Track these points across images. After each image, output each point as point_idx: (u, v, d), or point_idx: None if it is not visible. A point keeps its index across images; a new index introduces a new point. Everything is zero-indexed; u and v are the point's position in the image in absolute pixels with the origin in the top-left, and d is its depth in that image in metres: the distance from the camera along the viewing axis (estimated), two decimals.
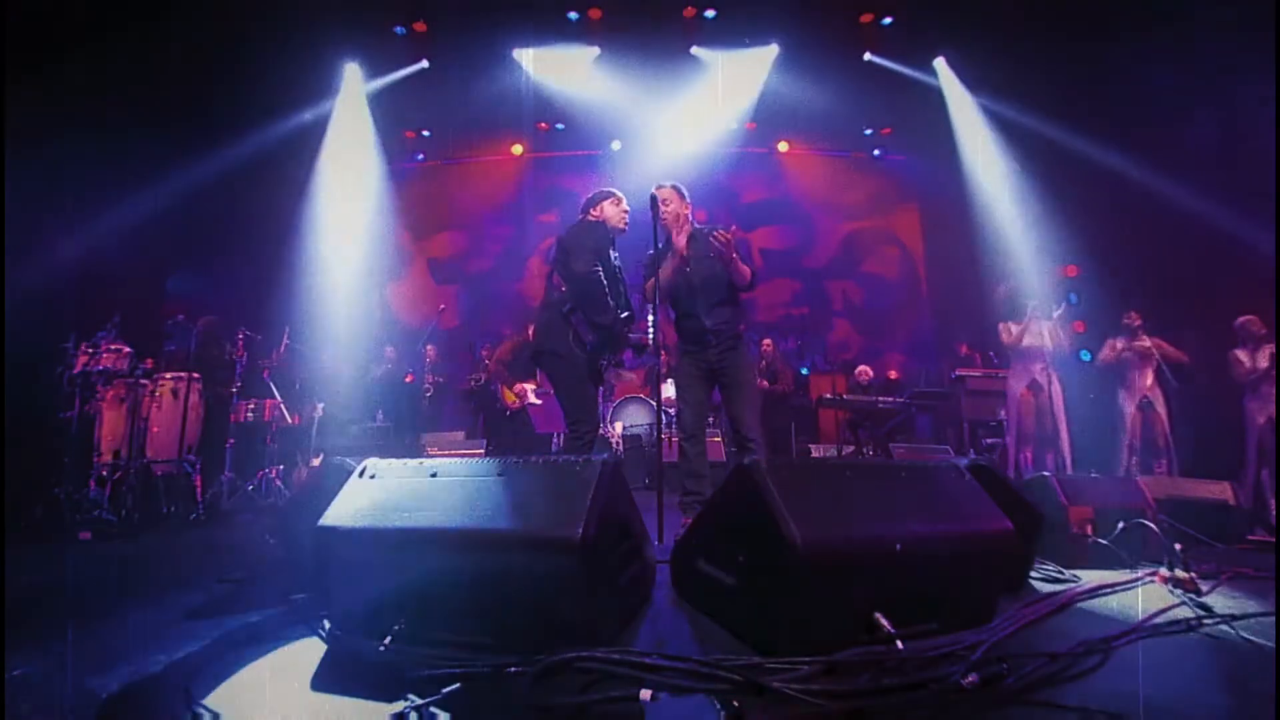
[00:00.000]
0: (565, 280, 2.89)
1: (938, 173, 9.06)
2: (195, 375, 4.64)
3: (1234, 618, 1.69)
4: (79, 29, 5.21)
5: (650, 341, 3.12)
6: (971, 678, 1.19)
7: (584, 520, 1.39)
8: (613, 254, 3.00)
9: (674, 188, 3.12)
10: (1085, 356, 6.62)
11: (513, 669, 1.27)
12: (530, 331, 5.70)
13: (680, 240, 3.01)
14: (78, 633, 1.72)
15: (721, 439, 6.08)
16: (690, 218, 3.11)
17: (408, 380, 7.08)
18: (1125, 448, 4.89)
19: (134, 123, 5.59)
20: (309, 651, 1.48)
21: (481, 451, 6.03)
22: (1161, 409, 4.88)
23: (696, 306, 3.09)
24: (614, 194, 3.08)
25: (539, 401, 5.61)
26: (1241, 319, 4.80)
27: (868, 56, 7.79)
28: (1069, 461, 4.76)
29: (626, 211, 3.06)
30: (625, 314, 2.99)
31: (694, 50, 7.88)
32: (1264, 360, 4.62)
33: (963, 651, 1.38)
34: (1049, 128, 7.31)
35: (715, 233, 2.88)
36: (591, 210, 3.05)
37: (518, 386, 5.58)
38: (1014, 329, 5.08)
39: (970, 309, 8.22)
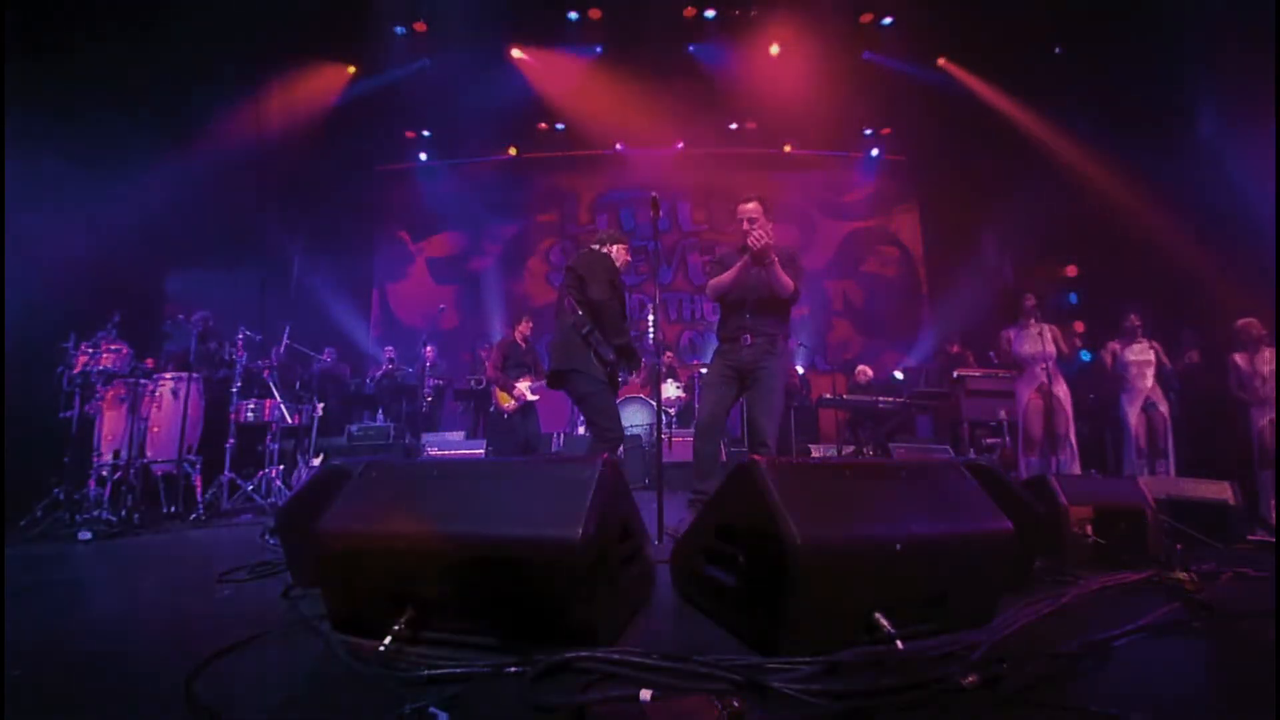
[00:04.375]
0: (581, 305, 3.15)
1: (937, 173, 9.07)
2: (195, 375, 4.64)
3: (1234, 618, 1.69)
4: (76, 26, 5.21)
5: (652, 342, 3.23)
6: (971, 678, 1.19)
7: (584, 520, 1.39)
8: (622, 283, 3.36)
9: (759, 201, 3.21)
10: (1085, 356, 6.62)
11: (513, 669, 1.27)
12: (516, 332, 5.83)
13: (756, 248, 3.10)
14: (77, 633, 1.72)
15: (721, 438, 6.06)
16: (770, 230, 3.19)
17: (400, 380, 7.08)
18: (1133, 451, 4.88)
19: (133, 121, 5.59)
20: (309, 651, 1.48)
21: (481, 452, 6.03)
22: (1164, 409, 4.88)
23: (745, 305, 3.19)
24: (622, 241, 3.43)
25: (536, 396, 5.65)
26: (1241, 321, 4.79)
27: (867, 56, 7.79)
28: (1078, 461, 4.75)
29: (629, 261, 3.43)
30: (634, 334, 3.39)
31: (694, 50, 7.89)
32: (1263, 365, 4.61)
33: (963, 651, 1.38)
34: (1048, 126, 7.31)
35: (754, 233, 2.97)
36: (607, 245, 3.36)
37: (516, 390, 5.61)
38: (1011, 334, 5.07)
39: (970, 309, 8.23)
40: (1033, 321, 4.95)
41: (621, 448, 6.17)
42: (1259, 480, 4.49)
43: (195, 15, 5.86)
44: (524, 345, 5.88)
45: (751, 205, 3.20)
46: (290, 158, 7.52)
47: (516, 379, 5.63)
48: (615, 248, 3.37)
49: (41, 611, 1.94)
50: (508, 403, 5.68)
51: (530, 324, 5.95)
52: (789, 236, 9.58)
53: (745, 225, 3.19)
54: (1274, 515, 4.19)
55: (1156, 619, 1.66)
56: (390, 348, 7.61)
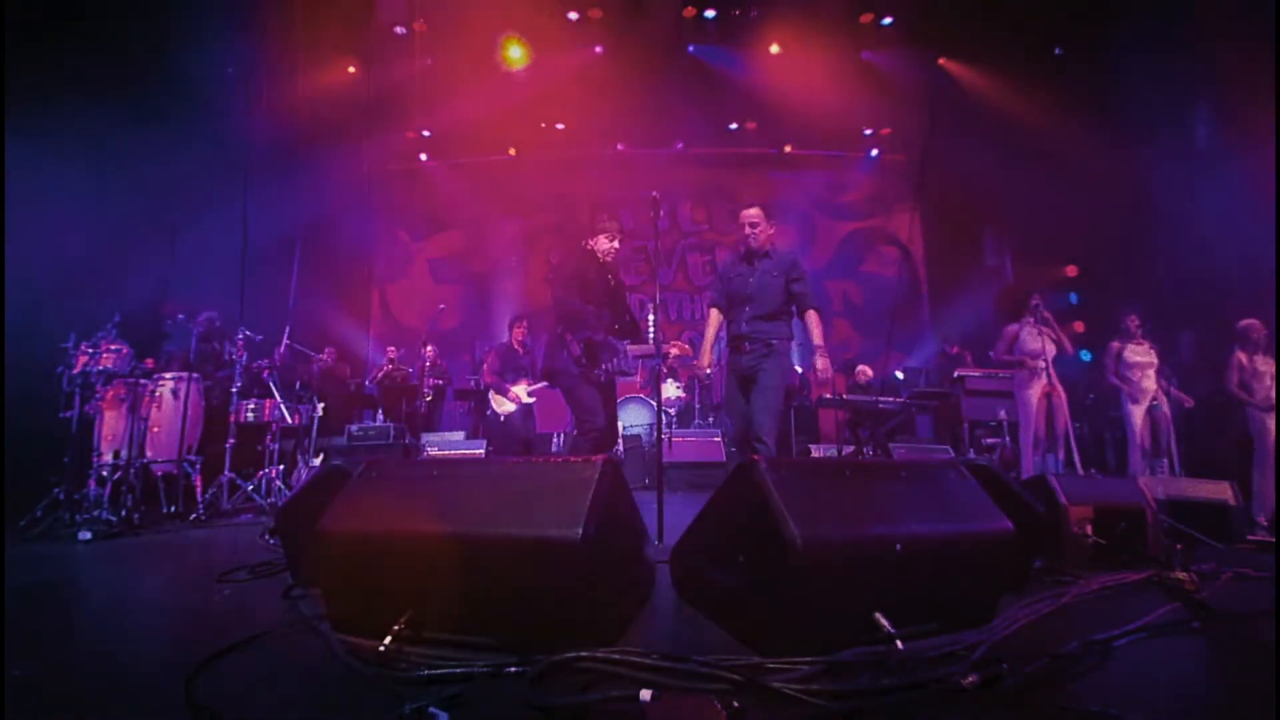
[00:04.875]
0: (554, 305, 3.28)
1: (937, 173, 9.06)
2: (195, 375, 4.64)
3: (1234, 618, 1.69)
4: (77, 24, 5.21)
5: (651, 343, 3.24)
6: (971, 678, 1.19)
7: (584, 520, 1.39)
8: (606, 276, 3.35)
9: (760, 209, 3.37)
10: (1085, 357, 6.62)
11: (513, 669, 1.27)
12: (512, 337, 5.90)
13: (752, 256, 3.35)
14: (77, 633, 1.72)
15: (721, 439, 6.07)
16: (771, 236, 3.40)
17: (400, 380, 7.10)
18: (1137, 451, 4.87)
19: (134, 120, 5.59)
20: (309, 652, 1.48)
21: (481, 452, 6.04)
22: (1166, 409, 4.87)
23: (742, 314, 3.31)
24: (609, 230, 3.36)
25: (533, 400, 5.71)
26: (1244, 322, 4.78)
27: (867, 56, 7.79)
28: (1078, 460, 4.75)
29: (615, 249, 3.37)
30: (621, 325, 3.33)
31: (694, 50, 7.89)
32: (1264, 366, 4.62)
33: (963, 651, 1.38)
34: (1048, 126, 7.30)
35: (816, 366, 3.25)
36: (588, 239, 3.38)
37: (511, 393, 5.69)
38: (1016, 329, 5.07)
39: (970, 309, 8.23)
40: (1033, 320, 4.94)
41: (621, 448, 6.22)
42: (1255, 481, 4.49)
43: (196, 14, 5.86)
44: (521, 350, 5.94)
45: (754, 211, 3.34)
46: (291, 157, 7.51)
47: (513, 383, 5.70)
48: (599, 239, 3.36)
49: (41, 611, 1.94)
50: (504, 407, 5.75)
51: (525, 329, 6.03)
52: (789, 237, 9.59)
53: (747, 229, 3.33)
54: (1263, 517, 4.20)
55: (1156, 619, 1.66)
56: (392, 347, 7.61)
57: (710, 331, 3.48)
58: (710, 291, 3.55)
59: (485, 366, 6.23)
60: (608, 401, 3.33)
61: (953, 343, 7.37)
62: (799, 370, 7.84)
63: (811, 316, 3.27)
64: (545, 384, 5.69)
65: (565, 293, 3.21)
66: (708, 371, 3.50)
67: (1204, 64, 5.83)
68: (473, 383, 7.10)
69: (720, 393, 7.45)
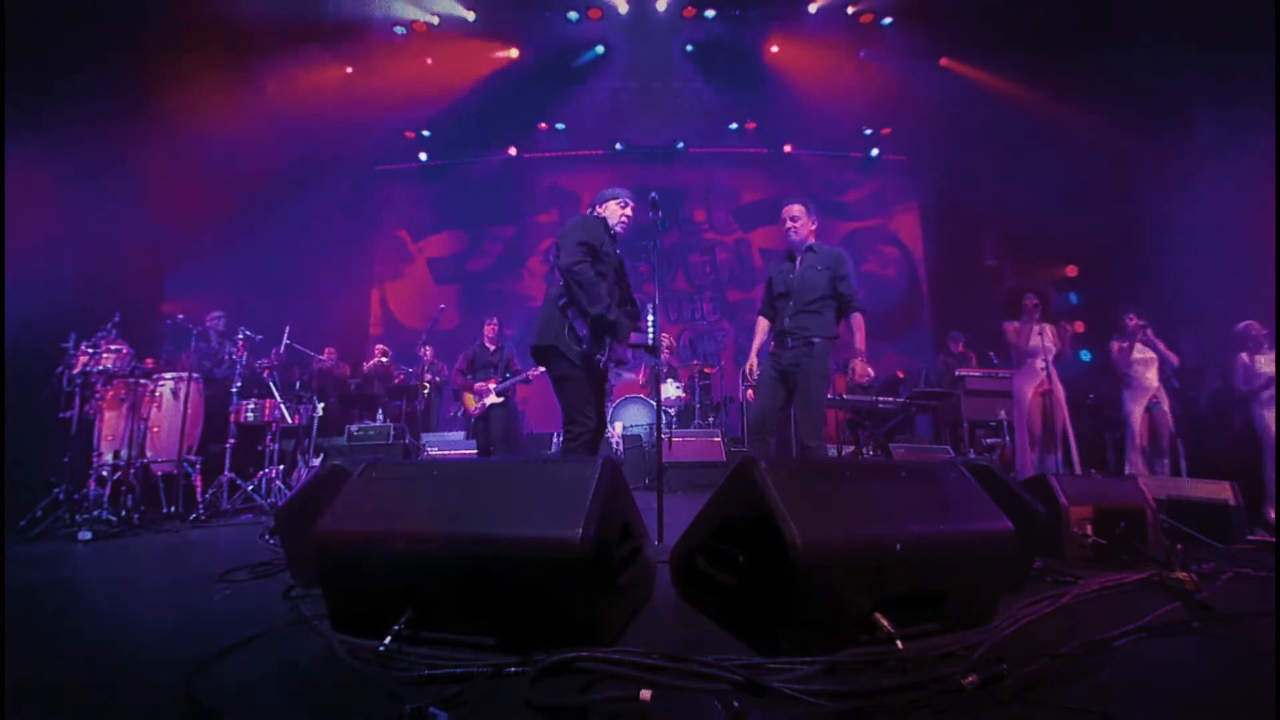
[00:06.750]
0: (559, 274, 2.92)
1: (937, 172, 9.06)
2: (195, 375, 4.64)
3: (1234, 618, 1.69)
4: (75, 24, 5.21)
5: (651, 341, 3.15)
6: (971, 678, 1.19)
7: (584, 520, 1.39)
8: (615, 250, 3.05)
9: (803, 205, 3.42)
10: (1085, 357, 6.62)
11: (513, 669, 1.27)
12: (485, 335, 5.88)
13: (795, 253, 3.41)
14: (77, 633, 1.72)
15: (721, 438, 6.07)
16: (813, 231, 3.44)
17: (397, 380, 7.11)
18: (1135, 450, 4.87)
19: (133, 120, 5.59)
20: (309, 652, 1.48)
21: (475, 451, 6.05)
22: (1168, 408, 4.87)
23: (786, 309, 3.33)
24: (621, 196, 3.13)
25: (500, 399, 5.74)
26: (1241, 324, 4.80)
27: (867, 56, 7.80)
28: (1076, 461, 4.74)
29: (628, 217, 3.12)
30: (626, 307, 3.06)
31: (695, 50, 7.89)
32: (1265, 366, 4.63)
33: (963, 651, 1.38)
34: (1048, 126, 7.30)
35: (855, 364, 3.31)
36: (598, 206, 3.13)
37: (478, 387, 5.73)
38: (1016, 326, 5.08)
39: (970, 308, 8.23)
40: (1036, 319, 4.96)
41: (621, 448, 6.22)
42: (1265, 477, 4.48)
43: (194, 14, 5.86)
44: (492, 347, 5.96)
45: (796, 207, 3.41)
46: (290, 157, 7.51)
47: (484, 381, 5.76)
48: (609, 205, 3.07)
49: (41, 611, 1.94)
50: (473, 405, 5.82)
51: (496, 325, 6.07)
52: None
53: (788, 224, 3.40)
54: (1275, 514, 4.20)
55: (1156, 619, 1.66)
56: (381, 345, 7.62)
57: (757, 340, 3.54)
58: (760, 303, 3.63)
59: (455, 366, 6.29)
60: (600, 395, 3.01)
61: (958, 340, 7.36)
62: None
63: (857, 320, 3.29)
64: (529, 372, 5.69)
65: (572, 258, 2.77)
66: (752, 379, 3.47)
67: (1204, 63, 5.83)
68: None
69: (720, 394, 7.46)
